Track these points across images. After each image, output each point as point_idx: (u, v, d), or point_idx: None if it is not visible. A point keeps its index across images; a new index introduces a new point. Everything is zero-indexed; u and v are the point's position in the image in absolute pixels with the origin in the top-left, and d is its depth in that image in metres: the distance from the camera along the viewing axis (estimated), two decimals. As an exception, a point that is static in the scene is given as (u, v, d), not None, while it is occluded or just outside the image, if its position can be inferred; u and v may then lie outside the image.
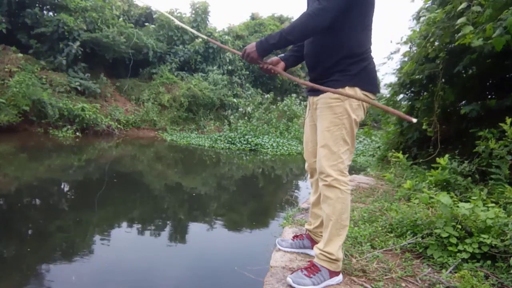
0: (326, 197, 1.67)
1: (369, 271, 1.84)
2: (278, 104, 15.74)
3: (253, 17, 22.86)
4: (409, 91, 5.47)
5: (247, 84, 18.87)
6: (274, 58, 1.85)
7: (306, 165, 1.98)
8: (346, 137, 1.66)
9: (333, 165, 1.65)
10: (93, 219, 3.63)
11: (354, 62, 1.62)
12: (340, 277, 1.72)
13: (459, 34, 3.35)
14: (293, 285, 1.63)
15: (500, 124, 3.04)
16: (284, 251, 2.11)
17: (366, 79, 1.65)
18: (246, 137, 11.68)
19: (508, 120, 3.00)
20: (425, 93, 5.23)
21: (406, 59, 5.35)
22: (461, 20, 3.27)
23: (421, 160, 4.59)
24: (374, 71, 1.72)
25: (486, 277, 1.77)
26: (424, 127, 4.45)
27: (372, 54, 1.71)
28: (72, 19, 12.17)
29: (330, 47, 1.65)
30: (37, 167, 6.20)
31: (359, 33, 1.63)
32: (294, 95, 16.83)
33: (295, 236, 2.16)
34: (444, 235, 1.99)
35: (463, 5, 3.31)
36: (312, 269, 1.67)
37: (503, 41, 2.89)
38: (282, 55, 1.91)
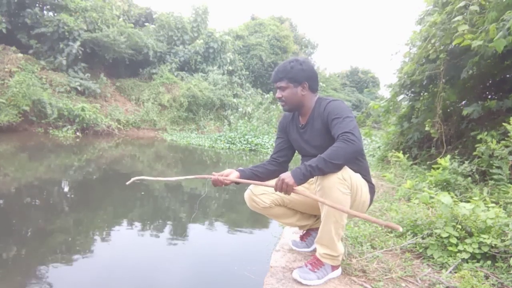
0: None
1: (369, 271, 1.84)
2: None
3: (253, 18, 22.91)
4: (410, 91, 5.47)
5: (247, 84, 18.89)
6: (225, 171, 1.81)
7: None
8: None
9: None
10: (93, 219, 3.63)
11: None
12: (339, 270, 1.80)
13: (456, 33, 3.34)
14: (299, 279, 1.69)
15: (503, 124, 3.03)
16: (290, 250, 2.12)
17: None
18: (246, 137, 11.68)
19: (512, 121, 2.98)
20: (425, 94, 5.23)
21: (406, 59, 5.34)
22: (457, 18, 3.26)
23: (421, 160, 4.58)
24: None
25: (486, 277, 1.77)
26: (427, 128, 4.44)
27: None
28: (72, 19, 12.19)
29: None
30: (37, 167, 6.20)
31: None
32: (294, 95, 16.84)
33: (303, 236, 2.18)
34: (444, 235, 1.99)
35: (461, 3, 3.31)
36: (316, 263, 1.73)
37: (504, 43, 2.87)
38: (240, 168, 1.88)
